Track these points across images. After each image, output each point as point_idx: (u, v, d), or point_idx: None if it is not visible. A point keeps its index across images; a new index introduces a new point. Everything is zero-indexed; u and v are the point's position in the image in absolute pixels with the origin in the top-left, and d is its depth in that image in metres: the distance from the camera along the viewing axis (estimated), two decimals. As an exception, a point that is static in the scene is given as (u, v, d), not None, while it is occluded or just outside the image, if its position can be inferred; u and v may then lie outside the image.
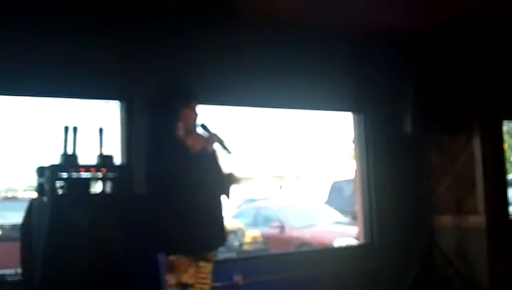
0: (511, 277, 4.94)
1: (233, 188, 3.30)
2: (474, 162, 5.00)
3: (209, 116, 4.08)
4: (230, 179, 3.25)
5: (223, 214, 3.23)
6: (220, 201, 3.22)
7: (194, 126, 3.18)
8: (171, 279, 3.01)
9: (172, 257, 3.00)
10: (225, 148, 3.18)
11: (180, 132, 3.15)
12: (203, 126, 3.20)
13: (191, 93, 3.23)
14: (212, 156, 3.21)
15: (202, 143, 3.13)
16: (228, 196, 3.27)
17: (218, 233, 3.19)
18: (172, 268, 3.00)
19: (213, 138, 3.16)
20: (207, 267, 3.17)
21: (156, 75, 4.04)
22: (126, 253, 3.60)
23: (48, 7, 3.95)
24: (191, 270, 3.03)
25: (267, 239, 10.34)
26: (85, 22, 4.10)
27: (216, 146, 3.18)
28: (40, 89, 4.10)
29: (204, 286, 3.16)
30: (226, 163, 3.32)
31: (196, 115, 3.21)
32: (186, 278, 3.00)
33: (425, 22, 4.70)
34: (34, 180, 3.79)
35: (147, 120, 3.26)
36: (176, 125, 3.14)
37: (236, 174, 3.27)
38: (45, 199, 3.62)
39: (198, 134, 3.19)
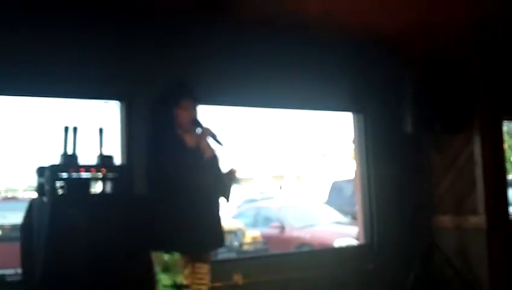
0: (511, 277, 4.94)
1: (233, 190, 3.30)
2: (474, 162, 5.00)
3: (207, 114, 4.09)
4: (231, 177, 3.25)
5: (220, 215, 3.22)
6: (218, 203, 3.21)
7: (188, 124, 3.17)
8: (165, 279, 3.00)
9: (166, 257, 3.00)
10: (217, 141, 3.17)
11: (177, 129, 3.16)
12: (195, 122, 3.19)
13: (182, 92, 3.22)
14: (213, 159, 3.20)
15: (195, 140, 3.12)
16: (228, 199, 3.26)
17: (215, 235, 3.18)
18: (167, 268, 3.00)
19: (205, 132, 3.14)
20: (204, 267, 3.17)
21: (156, 75, 4.05)
22: (126, 253, 3.60)
23: (47, 7, 3.95)
24: (187, 271, 3.03)
25: (267, 239, 10.33)
26: (85, 22, 4.10)
27: (209, 140, 3.16)
28: (40, 89, 4.10)
29: (201, 287, 3.15)
30: (226, 162, 3.32)
31: (190, 113, 3.19)
32: (181, 278, 3.00)
33: (426, 22, 4.70)
34: (34, 180, 3.80)
35: (145, 121, 3.28)
36: (170, 124, 3.14)
37: (236, 170, 3.27)
38: (45, 199, 3.62)
39: (193, 131, 3.18)
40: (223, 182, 3.24)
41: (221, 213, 3.23)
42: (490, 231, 4.88)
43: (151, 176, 3.11)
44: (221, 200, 3.25)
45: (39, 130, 30.46)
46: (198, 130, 3.18)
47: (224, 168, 3.29)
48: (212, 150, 3.15)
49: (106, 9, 4.12)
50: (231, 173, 3.26)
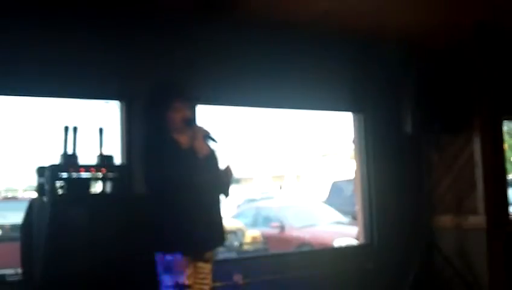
0: (511, 277, 4.94)
1: (232, 187, 3.29)
2: (474, 162, 5.00)
3: (206, 114, 4.07)
4: (227, 174, 3.24)
5: (222, 214, 3.22)
6: (219, 201, 3.21)
7: (181, 124, 3.16)
8: (168, 280, 3.00)
9: (169, 257, 2.99)
10: (212, 139, 3.16)
11: (171, 132, 3.15)
12: (187, 122, 3.18)
13: (172, 94, 3.20)
14: (210, 157, 3.20)
15: (189, 139, 3.11)
16: (227, 195, 3.26)
17: (216, 233, 3.18)
18: (169, 268, 2.99)
19: (198, 131, 3.13)
20: (206, 267, 3.17)
21: (156, 75, 4.05)
22: (126, 253, 3.60)
23: (47, 7, 3.95)
24: (189, 271, 3.02)
25: (267, 239, 10.34)
26: (85, 21, 4.10)
27: (203, 139, 3.14)
28: (40, 89, 4.10)
29: (203, 287, 3.15)
30: (223, 159, 3.31)
31: (182, 113, 3.17)
32: (184, 278, 2.99)
33: (426, 22, 4.70)
34: (34, 180, 3.80)
35: (142, 123, 3.27)
36: (163, 127, 3.13)
37: (232, 166, 3.25)
38: (45, 199, 3.62)
39: (187, 131, 3.16)
40: (221, 179, 3.23)
41: (222, 211, 3.22)
42: (490, 231, 4.88)
43: (148, 178, 3.11)
44: (221, 197, 3.24)
45: (39, 130, 30.49)
46: (192, 129, 3.15)
47: (221, 165, 3.28)
48: (208, 148, 3.14)
49: (106, 9, 4.11)
50: (227, 169, 3.25)
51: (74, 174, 3.66)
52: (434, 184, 5.35)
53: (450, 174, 5.27)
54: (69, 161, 3.72)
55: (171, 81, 3.41)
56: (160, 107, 3.15)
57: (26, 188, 22.03)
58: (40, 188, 3.70)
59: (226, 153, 3.40)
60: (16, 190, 23.38)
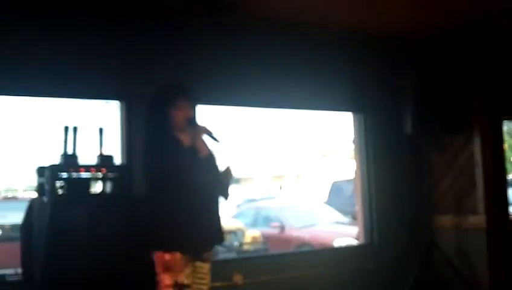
0: (511, 277, 4.94)
1: (231, 188, 3.30)
2: (474, 162, 5.00)
3: (206, 114, 4.07)
4: (227, 175, 3.24)
5: (220, 214, 3.22)
6: (217, 201, 3.21)
7: (184, 123, 3.16)
8: (167, 279, 3.00)
9: (167, 257, 2.99)
10: (214, 138, 3.16)
11: (173, 130, 3.15)
12: (190, 121, 3.18)
13: (176, 92, 3.21)
14: (210, 157, 3.20)
15: (191, 138, 3.12)
16: (226, 197, 3.26)
17: (214, 233, 3.18)
18: (168, 268, 2.99)
19: (200, 130, 3.14)
20: (204, 267, 3.17)
21: (156, 75, 4.05)
22: (125, 253, 3.60)
23: (47, 7, 3.95)
24: (188, 270, 3.03)
25: (267, 239, 10.34)
26: (85, 22, 4.10)
27: (204, 138, 3.14)
28: (40, 89, 4.10)
29: (202, 287, 3.15)
30: (222, 159, 3.31)
31: (185, 112, 3.18)
32: (183, 278, 2.99)
33: (426, 23, 4.70)
34: (34, 180, 3.80)
35: (144, 122, 3.28)
36: (166, 125, 3.14)
37: (232, 168, 3.26)
38: (45, 199, 3.62)
39: (189, 130, 3.17)
40: (220, 181, 3.23)
41: (220, 211, 3.23)
42: (490, 231, 4.88)
43: (149, 176, 3.11)
44: (220, 198, 3.25)
45: (39, 130, 30.49)
46: (194, 128, 3.16)
47: (221, 166, 3.28)
48: (208, 148, 3.15)
49: (106, 9, 4.11)
50: (227, 171, 3.25)
51: (74, 174, 3.66)
52: (434, 184, 5.34)
53: (450, 174, 5.27)
54: (69, 161, 3.73)
55: (175, 81, 3.43)
56: (164, 105, 3.16)
57: (26, 188, 22.04)
58: (40, 188, 3.71)
59: (226, 153, 3.41)
60: (16, 190, 23.39)
